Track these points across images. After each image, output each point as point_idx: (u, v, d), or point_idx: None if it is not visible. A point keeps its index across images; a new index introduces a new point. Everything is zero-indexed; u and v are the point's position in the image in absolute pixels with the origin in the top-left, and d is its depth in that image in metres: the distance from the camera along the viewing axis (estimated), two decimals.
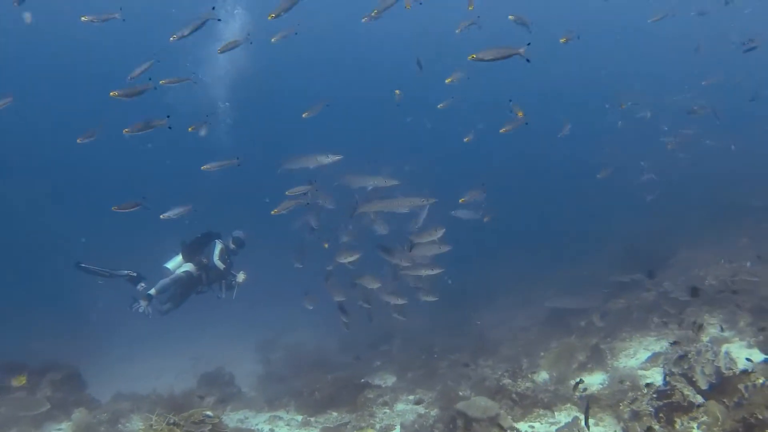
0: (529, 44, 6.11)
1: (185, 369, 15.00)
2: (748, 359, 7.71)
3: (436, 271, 9.19)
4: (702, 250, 13.91)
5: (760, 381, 5.89)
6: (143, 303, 10.21)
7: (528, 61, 6.13)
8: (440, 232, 8.74)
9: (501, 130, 8.35)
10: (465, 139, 9.44)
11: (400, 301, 9.79)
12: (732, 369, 6.01)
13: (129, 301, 10.42)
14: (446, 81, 8.14)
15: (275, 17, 7.50)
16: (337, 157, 8.67)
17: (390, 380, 12.35)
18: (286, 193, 8.94)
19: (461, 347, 12.60)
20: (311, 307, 10.22)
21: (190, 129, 9.01)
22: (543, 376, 9.85)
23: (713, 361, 6.12)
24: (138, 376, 14.97)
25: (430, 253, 9.17)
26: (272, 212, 9.03)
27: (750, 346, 9.03)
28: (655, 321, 10.94)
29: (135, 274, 10.88)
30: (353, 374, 11.67)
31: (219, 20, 7.97)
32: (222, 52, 8.37)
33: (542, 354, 10.69)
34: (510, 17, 7.44)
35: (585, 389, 8.33)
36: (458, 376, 10.93)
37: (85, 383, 11.54)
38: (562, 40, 8.44)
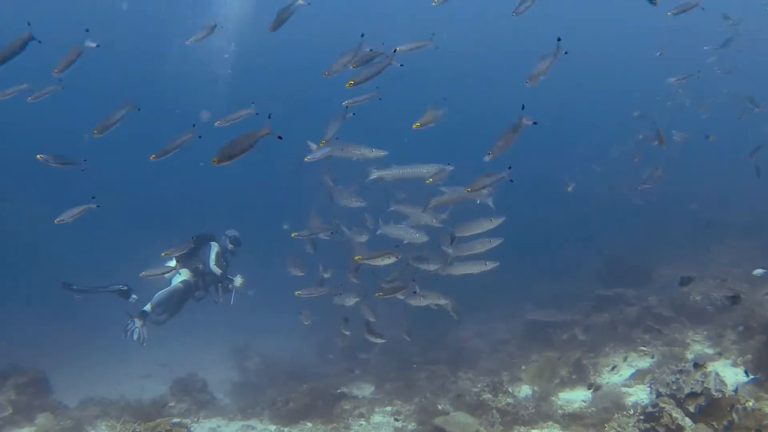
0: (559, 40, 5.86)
1: (158, 373, 14.64)
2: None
3: (491, 265, 7.88)
4: (685, 265, 13.82)
5: (750, 404, 5.70)
6: (138, 323, 9.64)
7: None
8: (496, 222, 7.63)
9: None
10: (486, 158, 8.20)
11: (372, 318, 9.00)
12: (722, 391, 5.80)
13: (123, 324, 9.80)
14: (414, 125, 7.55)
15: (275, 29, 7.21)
16: (382, 153, 7.80)
17: (368, 390, 12.07)
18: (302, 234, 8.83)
19: (440, 359, 12.35)
20: (308, 323, 9.62)
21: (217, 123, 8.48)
22: (524, 390, 9.61)
23: (703, 382, 5.91)
24: (111, 380, 14.60)
25: (482, 249, 7.93)
26: (293, 234, 8.88)
27: (735, 364, 8.86)
28: (639, 336, 10.75)
29: (125, 288, 10.36)
30: (330, 384, 11.37)
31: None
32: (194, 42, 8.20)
33: (523, 368, 10.47)
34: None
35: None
36: (437, 388, 10.67)
37: (52, 388, 11.13)
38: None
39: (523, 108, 5.91)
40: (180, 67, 33.54)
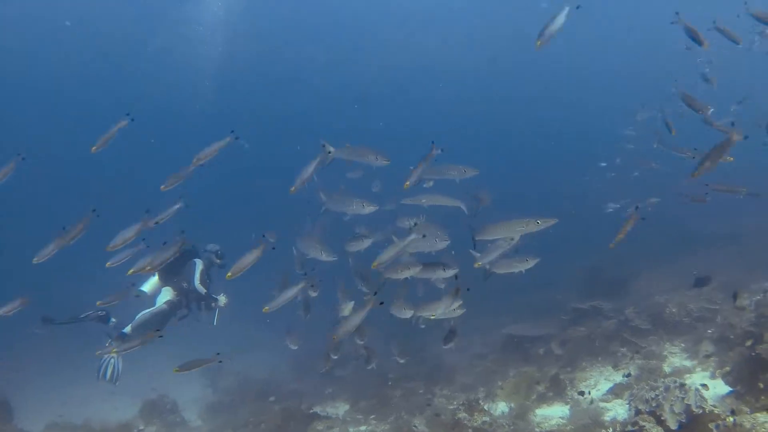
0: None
1: (127, 395, 14.20)
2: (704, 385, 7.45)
3: (532, 262, 7.13)
4: (661, 277, 13.75)
5: (731, 420, 5.54)
6: (111, 356, 9.21)
7: None
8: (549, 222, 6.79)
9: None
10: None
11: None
12: (702, 407, 5.64)
13: (100, 355, 9.29)
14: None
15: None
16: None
17: (342, 408, 11.82)
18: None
19: (417, 374, 12.13)
20: (295, 347, 9.04)
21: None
22: (501, 407, 9.41)
23: (683, 398, 5.74)
24: (82, 398, 14.15)
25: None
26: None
27: (713, 377, 8.73)
28: (616, 349, 10.62)
29: (103, 313, 9.76)
30: (303, 403, 11.09)
31: None
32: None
33: (500, 383, 10.27)
34: None
35: None
36: (413, 406, 10.45)
37: (13, 412, 10.73)
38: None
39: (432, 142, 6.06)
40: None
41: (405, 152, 7.76)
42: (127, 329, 9.52)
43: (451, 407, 9.16)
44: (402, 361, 9.36)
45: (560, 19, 5.64)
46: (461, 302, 6.92)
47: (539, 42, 5.68)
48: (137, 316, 9.68)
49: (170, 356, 17.22)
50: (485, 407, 8.41)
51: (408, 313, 7.14)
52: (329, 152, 6.97)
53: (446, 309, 6.83)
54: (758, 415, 6.43)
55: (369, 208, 7.25)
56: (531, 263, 7.06)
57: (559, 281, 16.36)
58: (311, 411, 10.49)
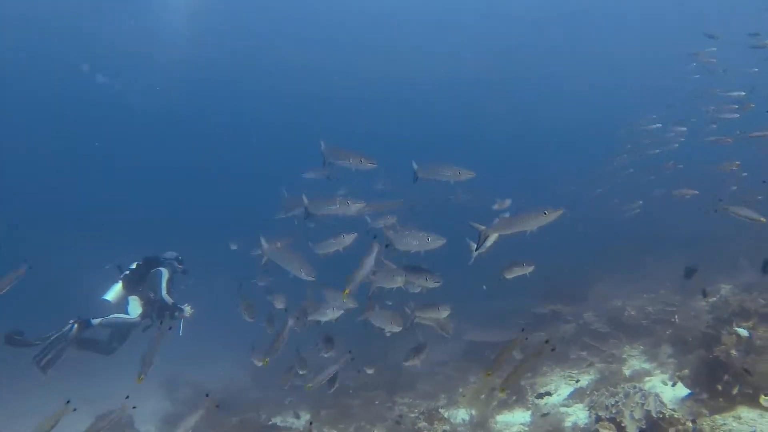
0: None
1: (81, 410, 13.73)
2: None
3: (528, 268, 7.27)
4: (621, 280, 13.81)
5: (690, 426, 5.49)
6: (51, 353, 8.70)
7: None
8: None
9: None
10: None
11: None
12: (662, 412, 5.58)
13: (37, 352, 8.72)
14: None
15: None
16: (471, 174, 7.08)
17: (303, 418, 11.55)
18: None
19: (377, 383, 11.93)
20: (260, 364, 8.45)
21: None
22: (462, 414, 9.27)
23: (642, 404, 5.67)
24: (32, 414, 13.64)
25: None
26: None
27: (672, 378, 8.73)
28: (576, 353, 10.59)
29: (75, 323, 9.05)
30: (262, 414, 10.84)
31: None
32: None
33: (461, 390, 10.16)
34: None
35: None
36: (373, 416, 10.28)
37: None
38: None
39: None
40: None
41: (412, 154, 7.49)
42: (96, 321, 8.99)
43: (412, 415, 9.04)
44: (370, 371, 9.10)
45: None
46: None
47: None
48: (110, 315, 9.14)
49: (127, 367, 16.85)
50: (446, 415, 8.29)
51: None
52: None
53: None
54: (717, 417, 6.43)
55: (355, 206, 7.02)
56: (528, 269, 7.17)
57: (518, 287, 16.32)
58: (270, 422, 10.23)
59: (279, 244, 7.99)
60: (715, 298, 10.81)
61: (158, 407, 13.96)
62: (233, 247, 8.88)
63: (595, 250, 17.62)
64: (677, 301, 11.38)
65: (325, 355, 7.27)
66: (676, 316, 10.79)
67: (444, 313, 6.83)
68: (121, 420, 11.78)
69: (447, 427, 7.75)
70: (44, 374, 8.80)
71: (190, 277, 10.32)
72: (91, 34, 33.17)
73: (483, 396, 9.35)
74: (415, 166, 6.68)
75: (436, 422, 7.76)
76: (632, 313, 11.04)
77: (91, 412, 12.40)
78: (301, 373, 8.01)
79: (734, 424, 6.00)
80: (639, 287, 12.30)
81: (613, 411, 5.80)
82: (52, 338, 8.85)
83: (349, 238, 6.98)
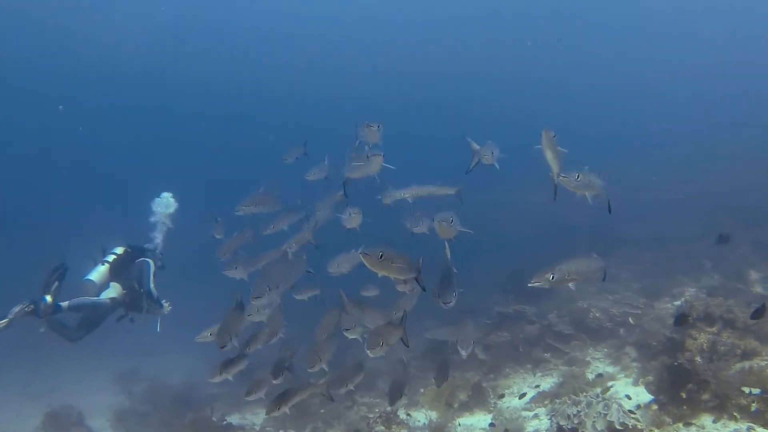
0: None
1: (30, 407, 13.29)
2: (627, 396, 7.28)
3: None
4: (585, 281, 13.66)
5: None
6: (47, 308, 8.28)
7: None
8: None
9: None
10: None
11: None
12: (625, 423, 5.38)
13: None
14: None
15: None
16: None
17: (261, 416, 11.25)
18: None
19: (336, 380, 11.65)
20: (231, 378, 7.75)
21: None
22: (421, 418, 9.05)
23: (605, 414, 5.48)
24: None
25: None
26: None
27: (636, 383, 8.61)
28: (539, 356, 10.43)
29: (32, 307, 8.34)
30: (217, 413, 10.48)
31: None
32: None
33: (422, 390, 9.89)
34: None
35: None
36: (331, 416, 10.01)
37: None
38: None
39: None
40: None
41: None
42: (64, 304, 8.47)
43: (371, 416, 8.80)
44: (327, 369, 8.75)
45: None
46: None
47: None
48: (76, 298, 8.66)
49: (80, 361, 16.41)
50: (404, 418, 8.04)
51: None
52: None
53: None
54: (680, 425, 6.28)
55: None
56: None
57: (482, 284, 16.18)
58: (225, 422, 9.89)
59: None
60: (680, 303, 10.76)
61: (113, 401, 13.54)
62: (217, 236, 8.50)
63: (559, 249, 17.53)
64: (642, 304, 11.29)
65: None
66: (631, 320, 10.70)
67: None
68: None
69: (405, 431, 7.50)
70: None
71: (164, 272, 10.00)
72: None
73: (443, 398, 9.13)
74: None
75: (393, 426, 7.51)
76: (597, 315, 10.91)
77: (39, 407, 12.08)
78: (274, 381, 7.44)
79: None
80: (603, 288, 12.16)
81: (575, 421, 5.60)
82: (11, 316, 8.10)
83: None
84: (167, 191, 10.93)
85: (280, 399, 6.15)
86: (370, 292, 7.35)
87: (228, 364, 6.27)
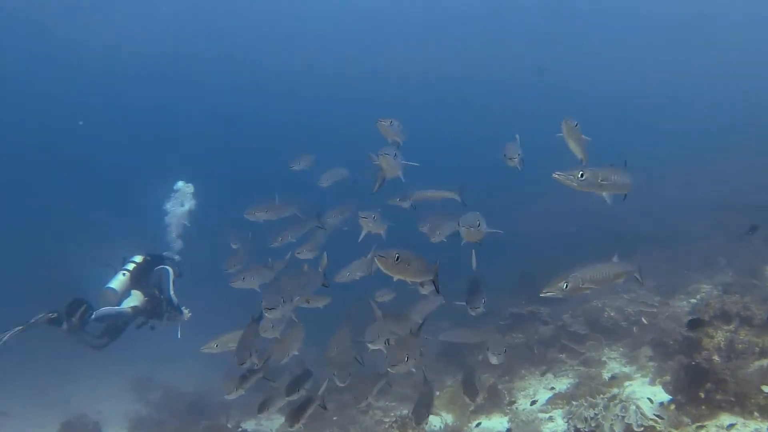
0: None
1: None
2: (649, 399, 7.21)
3: None
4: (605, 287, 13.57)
5: None
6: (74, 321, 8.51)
7: None
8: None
9: None
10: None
11: None
12: (643, 425, 5.34)
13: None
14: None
15: None
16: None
17: (277, 422, 11.25)
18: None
19: (351, 385, 11.62)
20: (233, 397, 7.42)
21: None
22: (436, 422, 9.00)
23: (623, 416, 5.43)
24: None
25: None
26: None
27: (653, 383, 8.53)
28: (554, 356, 10.37)
29: (55, 315, 8.59)
30: (231, 420, 10.50)
31: None
32: None
33: (437, 393, 9.85)
34: None
35: None
36: (347, 420, 9.99)
37: None
38: None
39: None
40: None
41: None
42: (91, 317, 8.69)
43: (387, 419, 8.78)
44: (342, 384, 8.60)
45: None
46: None
47: None
48: (100, 309, 8.82)
49: (98, 367, 16.47)
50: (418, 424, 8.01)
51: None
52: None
53: None
54: (699, 425, 6.22)
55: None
56: None
57: (495, 285, 16.12)
58: (240, 429, 9.92)
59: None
60: (695, 300, 10.68)
61: (128, 409, 13.61)
62: (234, 245, 8.49)
63: (571, 248, 17.45)
64: (657, 302, 11.22)
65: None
66: (644, 319, 10.62)
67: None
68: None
69: None
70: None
71: (182, 280, 10.14)
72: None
73: (459, 400, 9.09)
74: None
75: (409, 430, 7.50)
76: (612, 314, 10.84)
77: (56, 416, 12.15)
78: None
79: None
80: (618, 287, 12.08)
81: (593, 424, 5.56)
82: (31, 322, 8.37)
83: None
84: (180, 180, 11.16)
85: (299, 412, 5.98)
86: (385, 296, 7.29)
87: (242, 379, 6.14)
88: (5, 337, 8.14)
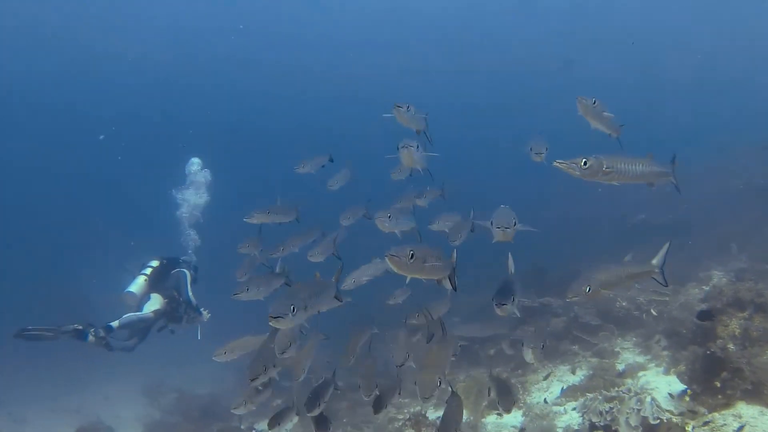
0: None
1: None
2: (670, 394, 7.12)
3: None
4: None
5: (689, 427, 5.18)
6: (101, 332, 8.88)
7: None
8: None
9: None
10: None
11: None
12: (660, 417, 5.26)
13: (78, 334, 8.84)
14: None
15: None
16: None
17: (290, 422, 11.20)
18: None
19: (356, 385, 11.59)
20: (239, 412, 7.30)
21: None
22: None
23: (638, 410, 5.36)
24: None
25: None
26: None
27: (667, 372, 8.45)
28: (567, 348, 10.29)
29: (81, 327, 8.99)
30: (244, 422, 10.49)
31: None
32: None
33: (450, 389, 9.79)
34: None
35: None
36: (359, 419, 9.96)
37: None
38: None
39: None
40: None
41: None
42: (114, 323, 9.08)
43: (400, 417, 8.73)
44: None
45: None
46: None
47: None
48: (124, 316, 9.22)
49: (112, 370, 16.51)
50: (434, 417, 7.96)
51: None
52: None
53: None
54: (716, 415, 6.13)
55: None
56: None
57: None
58: (253, 431, 9.91)
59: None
60: (708, 288, 10.55)
61: (142, 413, 13.66)
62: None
63: (580, 238, 17.35)
64: (669, 290, 11.10)
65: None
66: (653, 311, 10.52)
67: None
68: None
69: None
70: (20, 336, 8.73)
71: (198, 284, 10.45)
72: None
73: (472, 396, 9.03)
74: None
75: (423, 428, 7.44)
76: (623, 304, 10.75)
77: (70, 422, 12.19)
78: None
79: (735, 424, 5.70)
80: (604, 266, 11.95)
81: (608, 418, 5.49)
82: (66, 330, 8.88)
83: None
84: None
85: (322, 423, 5.73)
86: (399, 298, 7.12)
87: (251, 394, 5.87)
88: (35, 331, 8.54)
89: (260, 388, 5.89)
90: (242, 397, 5.72)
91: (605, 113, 5.10)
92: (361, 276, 6.49)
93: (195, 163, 13.09)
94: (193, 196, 13.37)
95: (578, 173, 4.23)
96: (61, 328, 8.92)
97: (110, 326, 9.02)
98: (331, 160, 7.41)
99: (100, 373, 15.85)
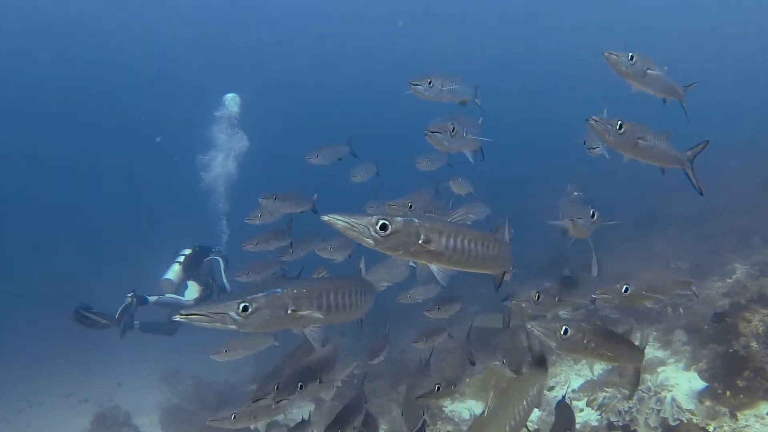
0: None
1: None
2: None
3: None
4: (629, 260, 13.34)
5: (711, 428, 5.10)
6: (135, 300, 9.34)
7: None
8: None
9: None
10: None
11: None
12: (680, 418, 5.18)
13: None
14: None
15: None
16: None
17: (307, 410, 11.25)
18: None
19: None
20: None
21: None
22: (468, 407, 8.91)
23: (658, 410, 5.28)
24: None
25: None
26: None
27: (687, 368, 8.34)
28: None
29: (131, 296, 9.53)
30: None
31: None
32: None
33: (467, 380, 9.74)
34: None
35: None
36: (375, 411, 9.92)
37: None
38: None
39: None
40: None
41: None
42: (152, 299, 9.55)
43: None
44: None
45: None
46: None
47: None
48: (165, 295, 9.68)
49: (132, 355, 16.65)
50: (449, 412, 7.94)
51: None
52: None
53: None
54: (738, 415, 6.04)
55: None
56: None
57: (524, 268, 15.85)
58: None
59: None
60: (730, 281, 10.40)
61: (159, 399, 13.79)
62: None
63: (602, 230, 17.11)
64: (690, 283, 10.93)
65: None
66: (669, 309, 10.37)
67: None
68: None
69: (450, 428, 7.40)
70: (120, 339, 9.43)
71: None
72: None
73: (489, 389, 8.97)
74: None
75: (439, 422, 7.43)
76: None
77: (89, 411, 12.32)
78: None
79: (758, 425, 5.60)
80: (650, 265, 11.81)
81: (627, 418, 5.41)
82: (119, 314, 9.33)
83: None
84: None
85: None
86: (418, 296, 6.86)
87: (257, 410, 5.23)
88: (94, 316, 8.85)
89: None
90: (247, 413, 5.23)
91: (652, 70, 4.16)
92: (379, 280, 6.03)
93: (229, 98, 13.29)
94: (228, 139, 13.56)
95: (611, 139, 3.82)
96: (115, 316, 9.33)
97: (146, 298, 9.42)
98: (354, 155, 7.07)
99: (113, 360, 16.00)
